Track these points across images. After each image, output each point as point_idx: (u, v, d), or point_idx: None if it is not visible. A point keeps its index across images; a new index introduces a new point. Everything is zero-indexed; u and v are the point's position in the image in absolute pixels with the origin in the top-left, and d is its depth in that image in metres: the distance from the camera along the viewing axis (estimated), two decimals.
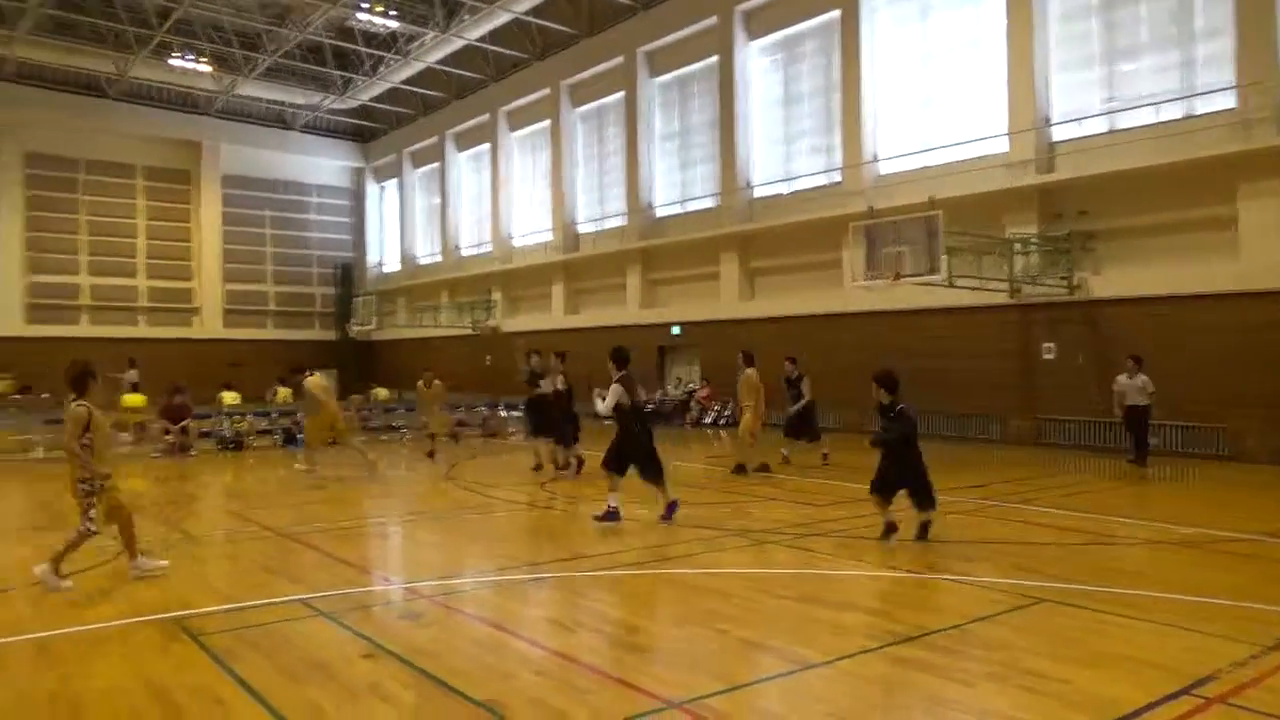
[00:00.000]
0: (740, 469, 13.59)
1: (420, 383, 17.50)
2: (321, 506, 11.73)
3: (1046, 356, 18.05)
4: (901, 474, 8.30)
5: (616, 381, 9.60)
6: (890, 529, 8.28)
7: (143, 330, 36.61)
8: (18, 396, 28.67)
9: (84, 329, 35.11)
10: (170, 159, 38.14)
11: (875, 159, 21.39)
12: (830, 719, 4.37)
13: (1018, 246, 17.91)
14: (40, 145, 35.05)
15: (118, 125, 36.15)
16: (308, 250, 41.83)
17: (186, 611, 6.31)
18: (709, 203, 25.93)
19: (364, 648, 5.46)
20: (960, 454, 16.56)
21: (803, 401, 14.41)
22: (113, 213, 36.86)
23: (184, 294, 38.50)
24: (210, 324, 38.56)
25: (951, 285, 16.62)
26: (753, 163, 24.73)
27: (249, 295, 39.93)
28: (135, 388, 20.28)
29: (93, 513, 7.10)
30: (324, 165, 42.13)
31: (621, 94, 28.56)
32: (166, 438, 17.76)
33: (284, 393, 23.13)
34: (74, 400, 7.17)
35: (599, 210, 30.29)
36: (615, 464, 9.63)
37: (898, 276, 16.42)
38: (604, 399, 9.55)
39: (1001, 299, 17.95)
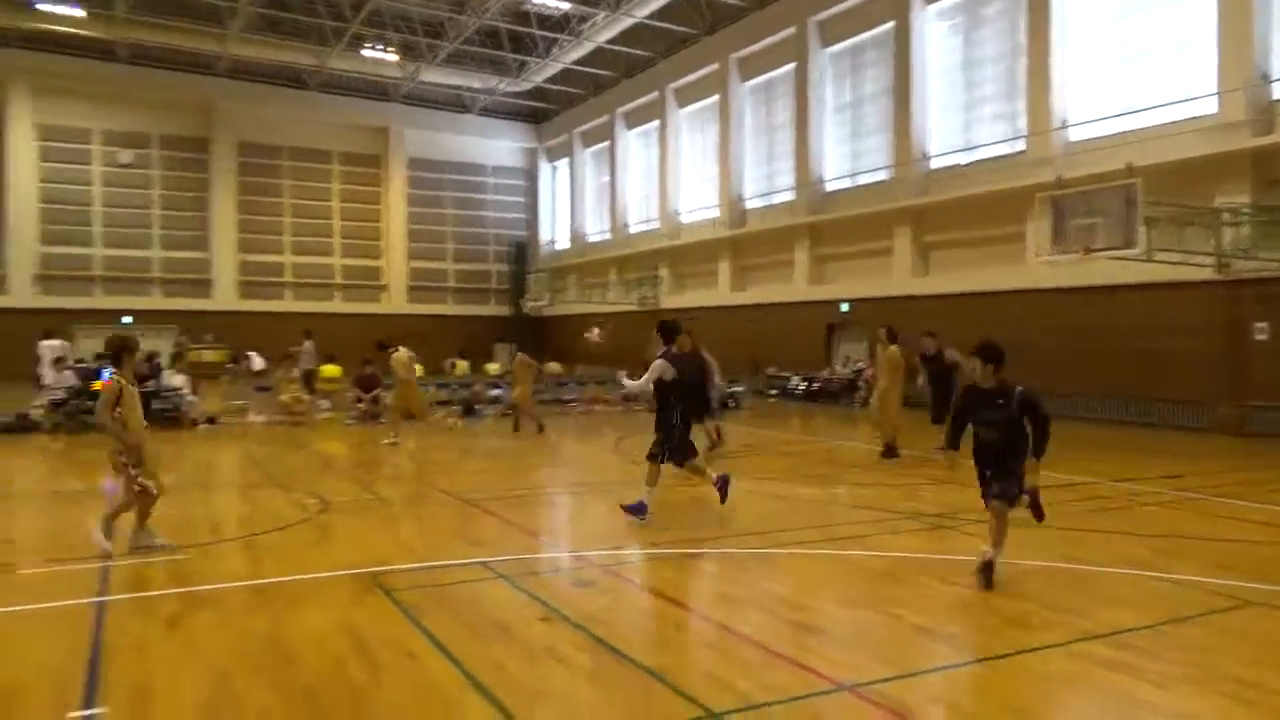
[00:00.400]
0: (891, 452, 12.99)
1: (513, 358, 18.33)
2: (497, 474, 12.29)
3: (1259, 337, 16.46)
4: (997, 473, 6.31)
5: (660, 357, 8.68)
6: (986, 571, 6.24)
7: (337, 305, 39.36)
8: (231, 366, 31.44)
9: (287, 304, 38.10)
10: (362, 144, 40.62)
11: (1064, 125, 20.05)
12: (1011, 713, 4.22)
13: (1227, 216, 16.38)
14: (250, 134, 38.15)
15: (316, 114, 38.83)
16: (484, 229, 43.61)
17: (380, 568, 6.79)
18: (881, 175, 25.13)
19: (540, 611, 5.71)
20: (1156, 441, 15.42)
21: (955, 371, 13.35)
22: (312, 196, 39.73)
23: (373, 272, 41.05)
24: (396, 300, 40.95)
25: (1150, 260, 15.41)
26: (929, 132, 23.74)
27: (431, 272, 42.11)
28: (332, 359, 21.82)
29: (140, 475, 7.26)
30: (500, 146, 43.69)
31: (792, 66, 28.04)
32: (359, 405, 19.05)
33: (462, 365, 24.29)
34: (113, 374, 7.36)
35: (767, 185, 29.95)
36: (689, 452, 8.87)
37: (1088, 251, 15.37)
38: (634, 379, 8.89)
39: (1207, 274, 16.49)
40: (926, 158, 23.63)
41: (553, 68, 36.93)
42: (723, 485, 8.93)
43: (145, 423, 7.65)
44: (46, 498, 10.83)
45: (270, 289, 38.63)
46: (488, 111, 42.13)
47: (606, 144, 38.81)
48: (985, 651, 5.03)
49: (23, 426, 16.41)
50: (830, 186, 27.10)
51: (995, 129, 22.07)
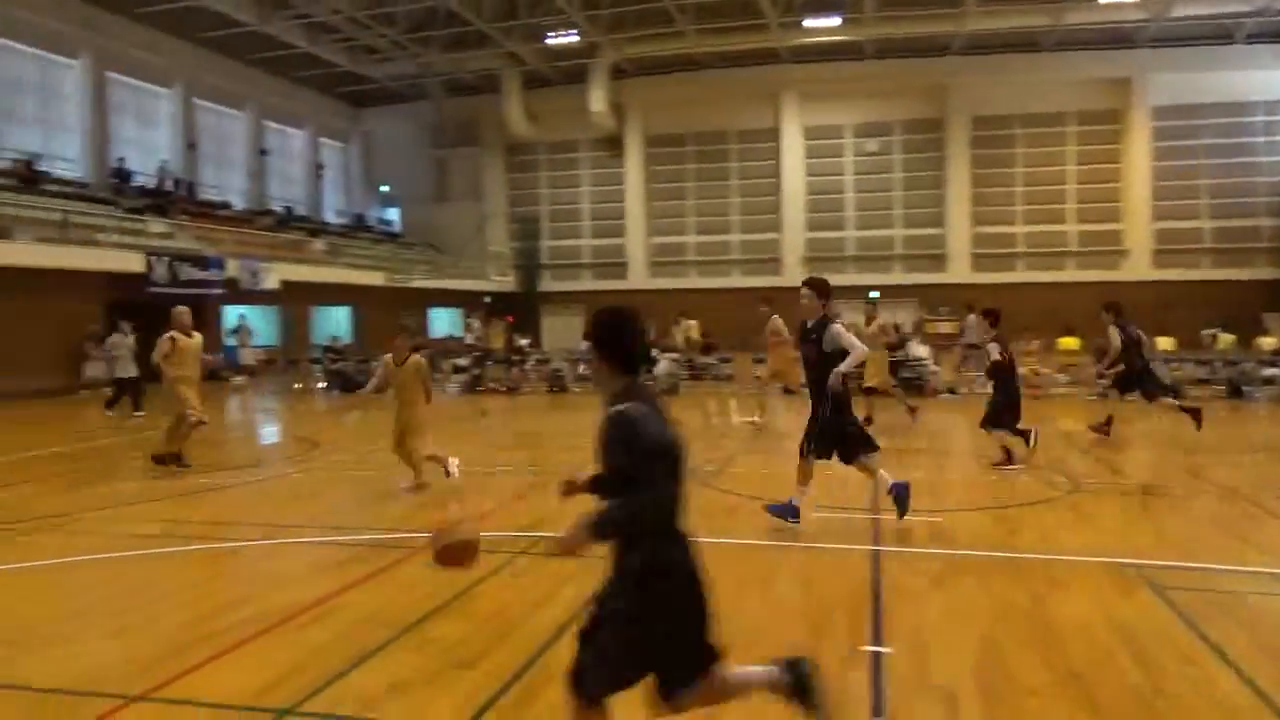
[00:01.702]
0: None
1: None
2: (1268, 466, 10.46)
3: None
4: None
5: (837, 322, 7.27)
6: None
7: (1071, 274, 37.56)
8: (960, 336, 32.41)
9: (1018, 275, 37.72)
10: (1098, 100, 37.84)
11: None
12: None
13: None
14: (982, 108, 38.55)
15: (1048, 76, 37.37)
16: (1251, 178, 36.94)
17: (1141, 561, 6.33)
18: None
19: None
20: None
21: None
22: (1044, 162, 38.49)
23: (1111, 236, 38.12)
24: (1138, 265, 37.42)
25: None
26: None
27: (1180, 233, 37.37)
28: (1070, 331, 20.98)
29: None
30: (1272, 77, 36.49)
31: None
32: (1100, 380, 18.02)
33: (1225, 339, 21.20)
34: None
35: None
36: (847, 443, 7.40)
37: None
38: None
39: None
40: None
41: None
42: (900, 494, 7.23)
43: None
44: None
45: (1001, 260, 38.69)
46: (1256, 37, 35.46)
47: None
48: None
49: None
50: None
51: None
